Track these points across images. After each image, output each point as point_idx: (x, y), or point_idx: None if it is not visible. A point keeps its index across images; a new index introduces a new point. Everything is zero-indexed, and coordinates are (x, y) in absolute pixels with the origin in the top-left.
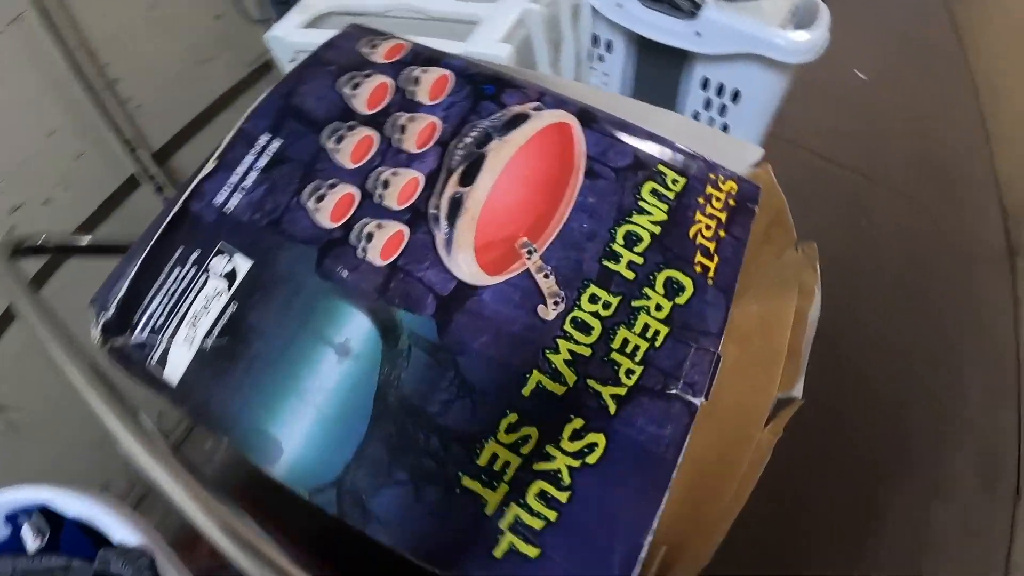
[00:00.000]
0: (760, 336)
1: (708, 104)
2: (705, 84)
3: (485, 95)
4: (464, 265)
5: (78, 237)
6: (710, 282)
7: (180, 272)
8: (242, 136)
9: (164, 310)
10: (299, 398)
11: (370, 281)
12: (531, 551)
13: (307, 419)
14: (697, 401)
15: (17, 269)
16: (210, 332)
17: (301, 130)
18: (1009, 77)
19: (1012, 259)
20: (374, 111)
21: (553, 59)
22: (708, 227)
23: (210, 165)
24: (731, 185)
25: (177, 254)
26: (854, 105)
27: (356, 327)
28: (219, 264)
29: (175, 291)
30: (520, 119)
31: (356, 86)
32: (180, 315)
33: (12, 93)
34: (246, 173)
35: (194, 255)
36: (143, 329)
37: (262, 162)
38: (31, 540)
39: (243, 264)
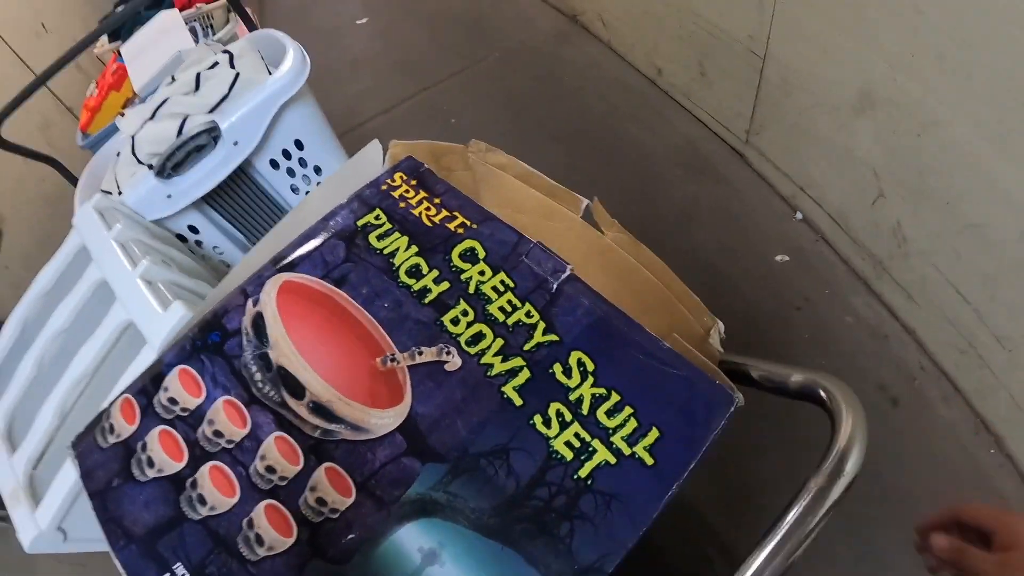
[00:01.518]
0: (512, 208)
1: (292, 172)
2: (275, 164)
3: (219, 342)
4: (384, 420)
5: None
6: (475, 226)
7: None
8: None
9: None
10: None
11: (372, 515)
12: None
13: None
14: (568, 270)
15: None
16: None
17: (176, 538)
18: None
19: (575, 21)
20: (185, 457)
21: (191, 269)
22: (428, 208)
23: None
24: (398, 176)
25: None
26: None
27: (414, 538)
28: None
29: None
30: (259, 321)
31: (151, 463)
32: None
33: None
34: None
35: None
36: None
37: None
38: None
39: None
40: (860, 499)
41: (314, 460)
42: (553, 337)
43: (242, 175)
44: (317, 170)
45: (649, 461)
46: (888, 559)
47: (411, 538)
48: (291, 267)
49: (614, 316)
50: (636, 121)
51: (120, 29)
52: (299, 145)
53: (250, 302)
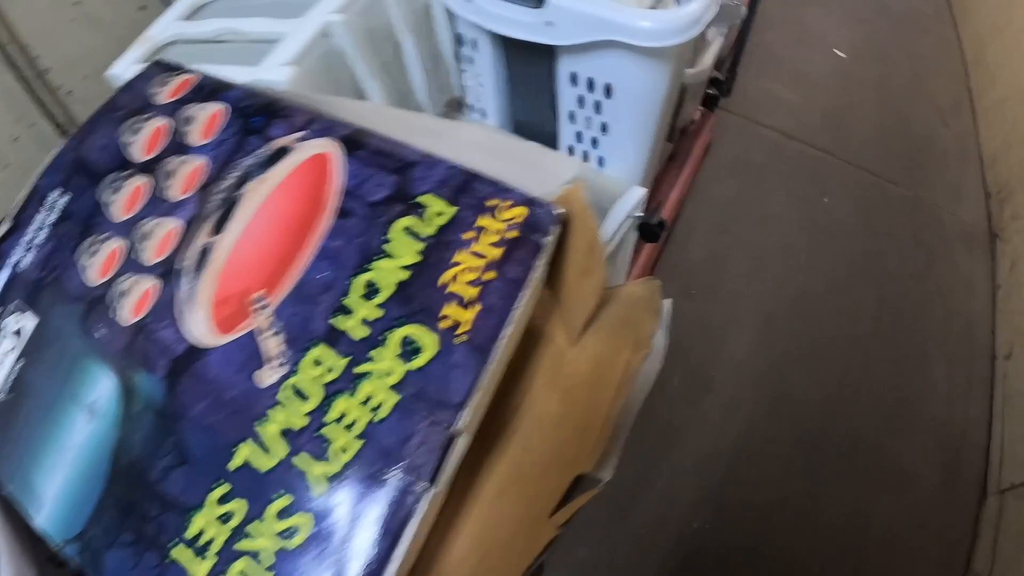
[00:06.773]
0: (586, 390)
1: (582, 101)
2: (574, 79)
3: (253, 129)
4: (197, 324)
5: None
6: (459, 339)
7: None
8: (35, 193)
9: None
10: (57, 456)
11: (118, 341)
12: None
13: (60, 476)
14: (419, 487)
15: None
16: (2, 387)
17: (85, 184)
18: (1000, 53)
19: (992, 243)
20: (149, 157)
21: (382, 71)
22: (471, 269)
23: (5, 225)
24: (517, 212)
25: None
26: (827, 83)
27: (103, 388)
28: (11, 322)
29: None
30: (281, 154)
31: (136, 131)
32: None
33: None
34: (37, 231)
35: None
36: None
37: (51, 219)
38: None
39: (30, 322)
40: None
41: (158, 272)
42: (317, 489)
43: (539, 55)
44: (603, 127)
45: None
46: None
47: (105, 384)
48: (355, 148)
49: (376, 561)
50: None
51: None
52: (608, 92)
53: (299, 135)
